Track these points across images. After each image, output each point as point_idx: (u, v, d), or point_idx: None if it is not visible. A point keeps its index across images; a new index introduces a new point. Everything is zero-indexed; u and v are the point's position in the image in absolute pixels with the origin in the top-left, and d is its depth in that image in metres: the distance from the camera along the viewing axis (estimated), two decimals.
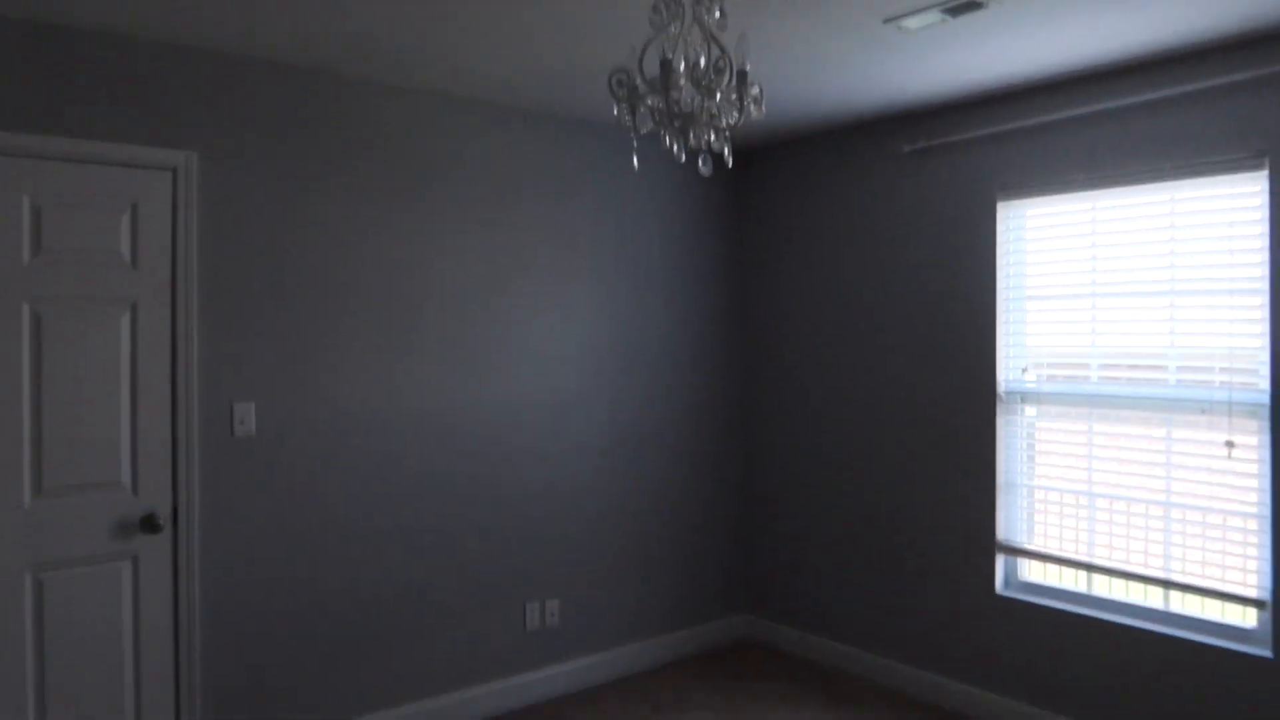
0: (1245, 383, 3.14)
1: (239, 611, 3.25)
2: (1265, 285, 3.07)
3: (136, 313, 3.04)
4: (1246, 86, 3.08)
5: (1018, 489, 3.81)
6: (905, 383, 4.14)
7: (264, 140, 3.30)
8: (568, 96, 3.79)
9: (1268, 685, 3.05)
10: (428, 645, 3.72)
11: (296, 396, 3.38)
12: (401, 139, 3.63)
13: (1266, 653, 3.07)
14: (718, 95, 2.01)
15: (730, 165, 2.26)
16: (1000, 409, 3.82)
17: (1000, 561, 3.83)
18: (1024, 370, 3.78)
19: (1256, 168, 3.08)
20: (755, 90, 2.06)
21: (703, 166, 2.17)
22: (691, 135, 2.06)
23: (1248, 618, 3.17)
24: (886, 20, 2.89)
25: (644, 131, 2.08)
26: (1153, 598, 3.42)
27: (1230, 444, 3.18)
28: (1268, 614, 3.09)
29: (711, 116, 2.04)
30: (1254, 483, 3.13)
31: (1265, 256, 3.07)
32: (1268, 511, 3.07)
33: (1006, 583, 3.85)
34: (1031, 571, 3.80)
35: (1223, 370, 3.19)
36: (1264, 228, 3.07)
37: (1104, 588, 3.56)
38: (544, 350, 4.06)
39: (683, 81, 2.00)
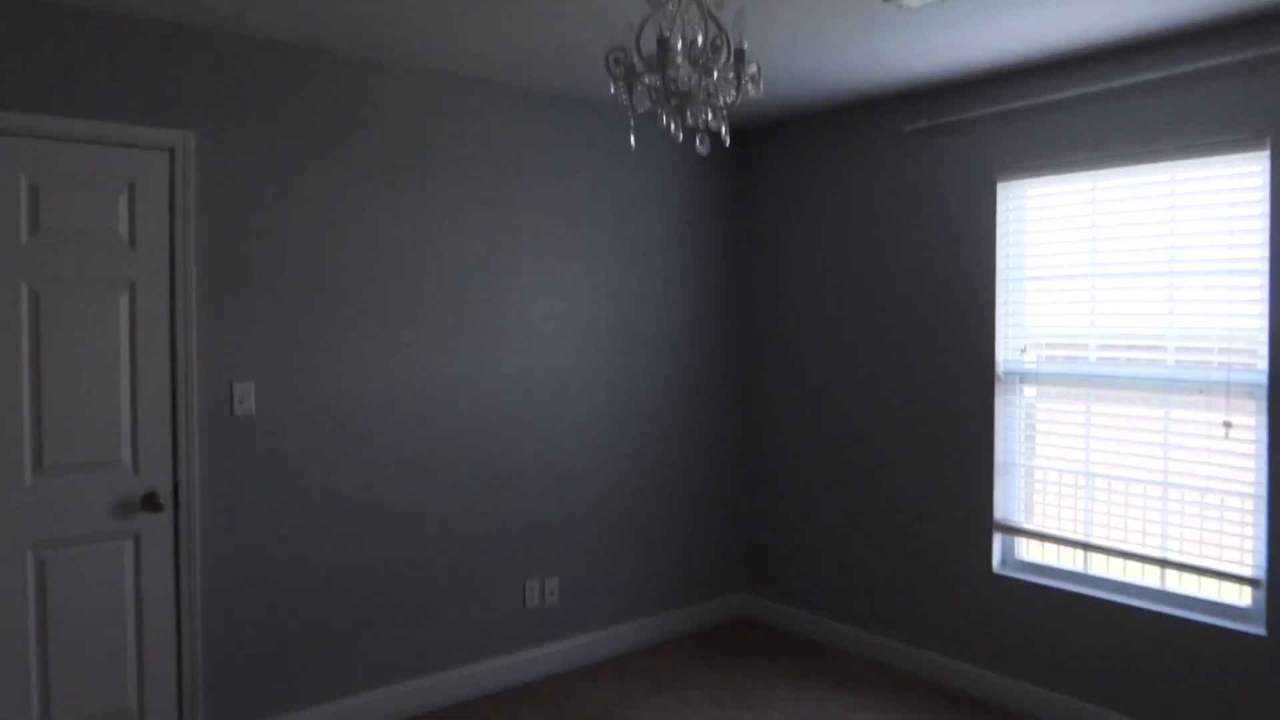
0: (1244, 363, 3.14)
1: (240, 589, 3.28)
2: (1265, 266, 3.06)
3: (135, 293, 3.04)
4: (1247, 66, 3.06)
5: (1016, 469, 3.82)
6: (904, 362, 4.14)
7: (262, 120, 3.28)
8: (566, 75, 3.77)
9: (1262, 663, 3.07)
10: (428, 623, 3.75)
11: (296, 375, 3.38)
12: (400, 118, 3.61)
13: (1261, 631, 3.09)
14: (715, 74, 2.00)
15: (728, 144, 2.25)
16: (999, 389, 3.82)
17: (998, 541, 3.85)
18: (1023, 350, 3.78)
19: (1257, 147, 3.07)
20: (753, 69, 2.05)
21: (700, 145, 2.15)
22: (689, 114, 2.04)
23: (1243, 596, 3.20)
24: None
25: (641, 110, 2.07)
26: (1150, 577, 3.44)
27: (1228, 424, 3.18)
28: (1262, 592, 3.11)
29: (709, 95, 2.02)
30: (1251, 463, 3.14)
31: (1265, 237, 3.06)
32: (1264, 491, 3.09)
33: (1004, 562, 3.87)
34: (1029, 551, 3.82)
35: (1221, 351, 3.19)
36: (1264, 208, 3.06)
37: (1101, 567, 3.58)
38: (543, 330, 4.07)
39: (680, 60, 1.99)
